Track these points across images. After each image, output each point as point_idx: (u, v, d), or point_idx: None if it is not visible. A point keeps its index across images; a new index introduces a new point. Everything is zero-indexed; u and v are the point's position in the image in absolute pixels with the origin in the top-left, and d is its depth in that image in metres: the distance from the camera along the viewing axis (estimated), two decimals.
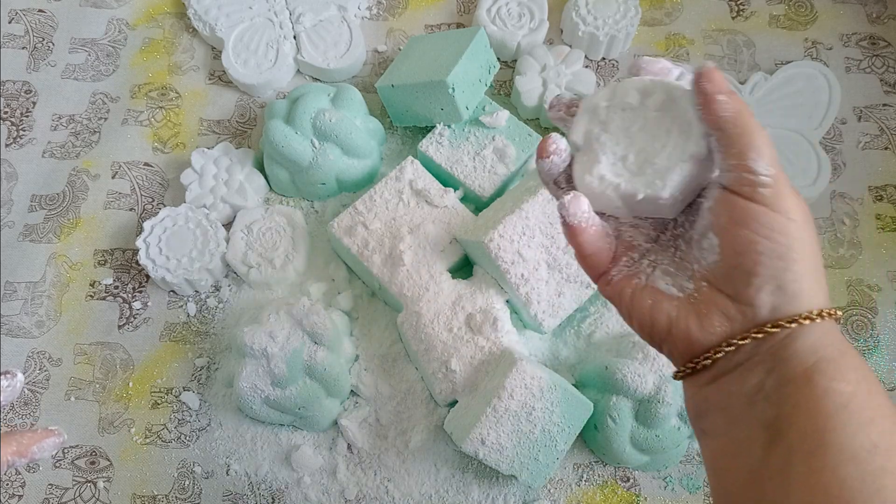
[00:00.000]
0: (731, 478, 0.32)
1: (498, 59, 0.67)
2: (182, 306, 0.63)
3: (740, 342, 0.32)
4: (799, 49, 0.74)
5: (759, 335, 0.31)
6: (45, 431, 0.44)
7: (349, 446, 0.58)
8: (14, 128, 0.69)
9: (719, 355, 0.32)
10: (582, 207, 0.34)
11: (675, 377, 0.35)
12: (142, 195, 0.67)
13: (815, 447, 0.29)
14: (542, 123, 0.70)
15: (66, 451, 0.58)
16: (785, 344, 0.31)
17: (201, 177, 0.65)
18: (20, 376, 0.43)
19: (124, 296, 0.63)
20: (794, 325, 0.31)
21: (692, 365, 0.33)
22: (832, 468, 0.29)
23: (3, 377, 0.42)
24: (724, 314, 0.32)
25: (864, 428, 0.29)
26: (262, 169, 0.66)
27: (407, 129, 0.69)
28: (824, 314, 0.31)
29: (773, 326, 0.31)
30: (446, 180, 0.63)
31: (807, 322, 0.31)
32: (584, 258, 0.36)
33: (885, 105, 0.71)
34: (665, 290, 0.34)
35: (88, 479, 0.57)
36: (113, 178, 0.68)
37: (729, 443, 0.33)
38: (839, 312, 0.32)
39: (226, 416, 0.59)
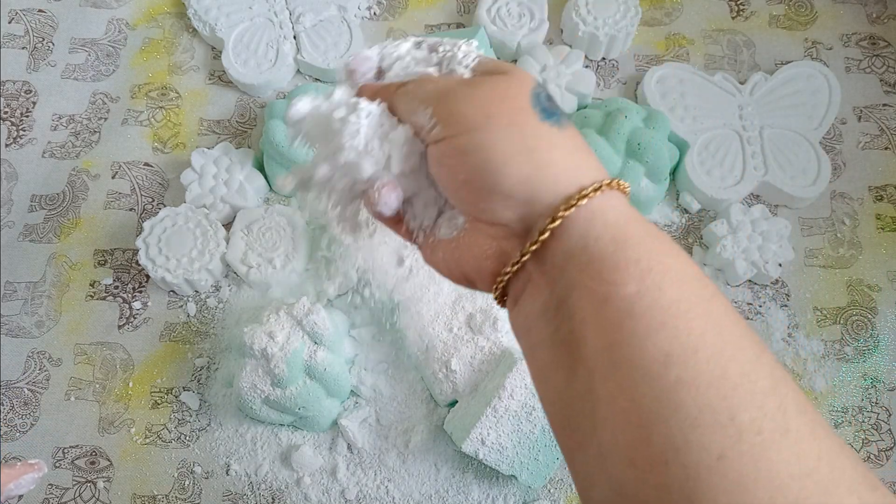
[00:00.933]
0: (550, 406, 0.30)
1: (498, 58, 0.67)
2: (182, 306, 0.63)
3: (522, 259, 0.29)
4: (799, 49, 0.74)
5: (534, 247, 0.29)
6: (25, 466, 0.44)
7: (349, 446, 0.58)
8: (14, 128, 0.69)
9: (506, 277, 0.30)
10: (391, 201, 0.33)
11: (499, 305, 0.33)
12: (142, 195, 0.67)
13: (608, 367, 0.26)
14: None
15: (65, 451, 0.58)
16: (555, 248, 0.28)
17: (201, 177, 0.65)
18: (44, 470, 0.45)
19: (124, 296, 0.63)
20: (555, 225, 0.28)
21: (495, 292, 0.32)
22: (628, 390, 0.25)
23: (34, 469, 0.44)
24: (490, 238, 0.31)
25: (652, 336, 0.25)
26: (262, 169, 0.66)
27: None
28: (584, 195, 0.28)
29: (541, 234, 0.28)
30: None
31: (566, 214, 0.28)
32: (397, 232, 0.36)
33: (885, 105, 0.71)
34: (447, 236, 0.33)
35: (88, 479, 0.57)
36: (113, 178, 0.68)
37: (538, 368, 0.30)
38: (613, 183, 0.29)
39: (226, 416, 0.59)
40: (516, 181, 0.28)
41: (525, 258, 0.29)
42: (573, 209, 0.28)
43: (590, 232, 0.28)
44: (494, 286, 0.32)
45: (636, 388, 0.25)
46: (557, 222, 0.28)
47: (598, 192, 0.28)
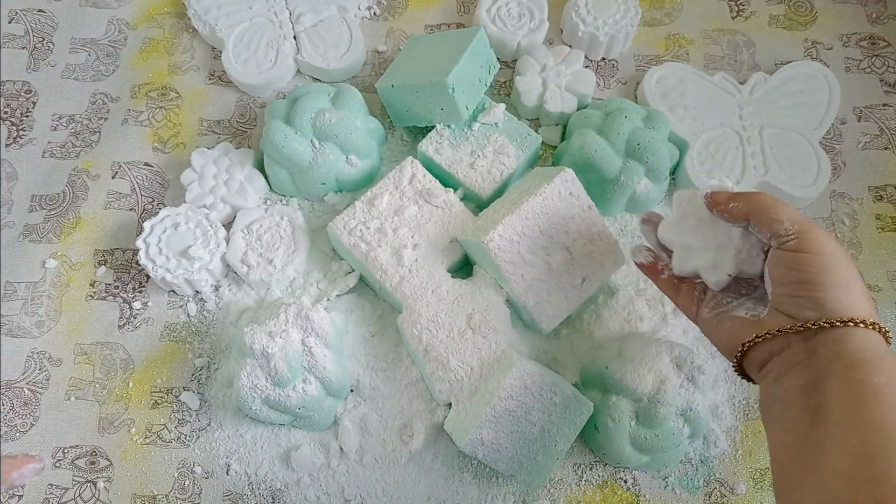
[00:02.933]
0: (784, 454, 0.39)
1: (498, 59, 0.67)
2: (182, 306, 0.63)
3: (776, 331, 0.42)
4: (799, 49, 0.74)
5: (791, 330, 0.41)
6: (25, 457, 0.44)
7: (349, 446, 0.58)
8: (14, 128, 0.69)
9: (758, 340, 0.43)
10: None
11: (745, 377, 0.46)
12: (142, 195, 0.67)
13: (848, 422, 0.36)
14: (541, 123, 0.70)
15: (66, 451, 0.58)
16: (828, 347, 0.40)
17: (201, 177, 0.65)
18: (45, 463, 0.46)
19: (124, 296, 0.63)
20: (829, 327, 0.40)
21: (739, 352, 0.44)
22: (861, 436, 0.35)
23: (35, 461, 0.45)
24: (778, 325, 0.42)
25: (891, 409, 0.36)
26: (262, 169, 0.66)
27: (407, 129, 0.69)
28: (862, 323, 0.39)
29: (813, 324, 0.40)
30: (446, 180, 0.63)
31: (844, 326, 0.39)
32: (676, 302, 0.51)
33: (885, 105, 0.71)
34: (743, 315, 0.45)
35: (88, 479, 0.57)
36: (113, 178, 0.68)
37: (783, 426, 0.40)
38: (885, 329, 0.40)
39: (226, 416, 0.59)
40: (829, 297, 0.40)
41: (780, 332, 0.42)
42: (856, 326, 0.40)
43: (863, 345, 0.39)
44: (761, 363, 0.44)
45: (869, 436, 0.35)
46: (827, 326, 0.40)
47: (873, 328, 0.40)
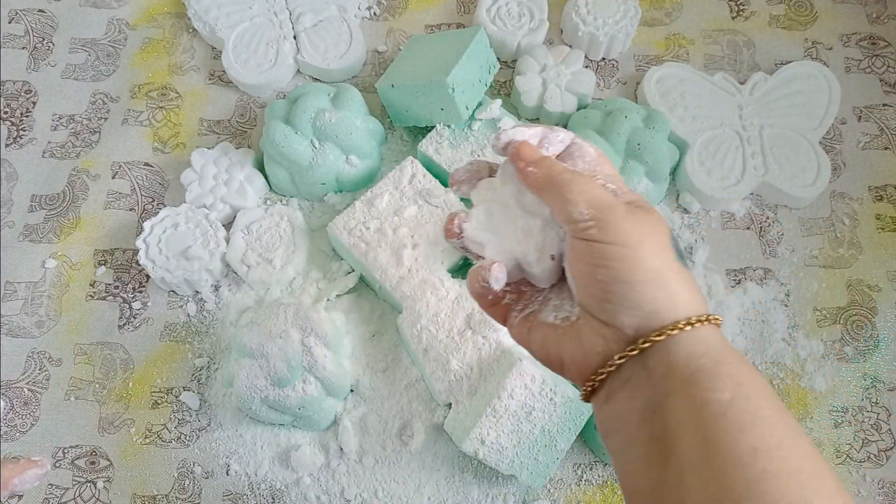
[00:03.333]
0: (637, 496, 0.34)
1: (498, 59, 0.67)
2: (182, 306, 0.63)
3: (618, 361, 0.34)
4: (799, 49, 0.74)
5: (634, 352, 0.34)
6: (28, 462, 0.44)
7: (349, 446, 0.58)
8: (14, 128, 0.69)
9: (602, 375, 0.35)
10: (501, 276, 0.38)
11: (582, 399, 0.37)
12: (142, 195, 0.67)
13: (701, 459, 0.31)
14: (541, 123, 0.70)
15: (66, 451, 0.58)
16: (660, 359, 0.34)
17: (201, 177, 0.65)
18: (47, 467, 0.45)
19: (124, 296, 0.63)
20: (660, 339, 0.33)
21: (588, 385, 0.36)
22: (718, 477, 0.30)
23: (37, 466, 0.44)
24: (601, 336, 0.35)
25: (743, 433, 0.30)
26: (262, 169, 0.66)
27: (407, 129, 0.69)
28: (691, 323, 0.33)
29: (644, 342, 0.33)
30: (446, 180, 0.63)
31: (674, 333, 0.33)
32: (487, 311, 0.41)
33: (885, 105, 0.71)
34: (552, 322, 0.37)
35: (88, 479, 0.57)
36: (113, 178, 0.68)
37: (630, 461, 0.34)
38: (712, 318, 0.34)
39: (226, 416, 0.59)
40: (646, 296, 0.34)
41: (622, 361, 0.34)
42: (683, 330, 0.33)
43: (695, 350, 0.33)
44: (590, 381, 0.36)
45: (727, 476, 0.30)
46: (663, 337, 0.33)
47: (703, 324, 0.34)
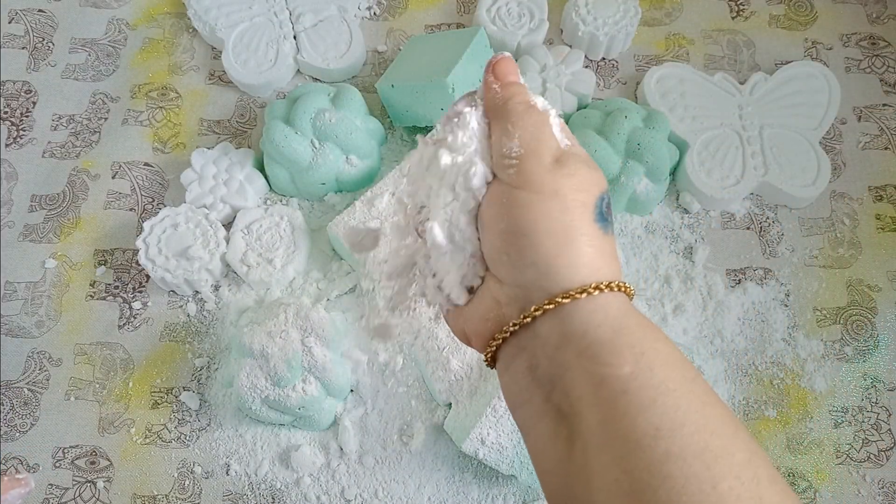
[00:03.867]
0: (548, 475, 0.31)
1: None
2: (182, 306, 0.63)
3: (512, 328, 0.31)
4: (799, 49, 0.74)
5: (526, 319, 0.31)
6: (12, 480, 0.42)
7: (349, 446, 0.58)
8: (14, 128, 0.69)
9: (495, 344, 0.32)
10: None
11: (487, 366, 0.35)
12: (142, 195, 0.67)
13: (602, 440, 0.29)
14: None
15: (65, 450, 0.58)
16: (552, 328, 0.31)
17: (201, 177, 0.65)
18: (31, 485, 0.43)
19: (124, 296, 0.63)
20: (550, 307, 0.30)
21: (486, 354, 0.33)
22: (620, 461, 0.28)
23: (20, 485, 0.43)
24: (496, 301, 0.32)
25: (644, 412, 0.28)
26: (262, 169, 0.66)
27: (407, 129, 0.69)
28: (587, 290, 0.30)
29: (535, 309, 0.30)
30: None
31: (565, 301, 0.30)
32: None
33: (885, 105, 0.71)
34: (459, 301, 0.34)
35: (88, 479, 0.57)
36: (113, 178, 0.68)
37: (538, 438, 0.32)
38: (618, 286, 0.31)
39: (226, 416, 0.59)
40: (546, 254, 0.30)
41: (516, 327, 0.31)
42: (581, 297, 0.30)
43: (592, 319, 0.30)
44: (487, 350, 0.33)
45: (629, 460, 0.28)
46: (553, 305, 0.30)
47: (607, 291, 0.31)
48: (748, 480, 0.27)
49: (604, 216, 0.32)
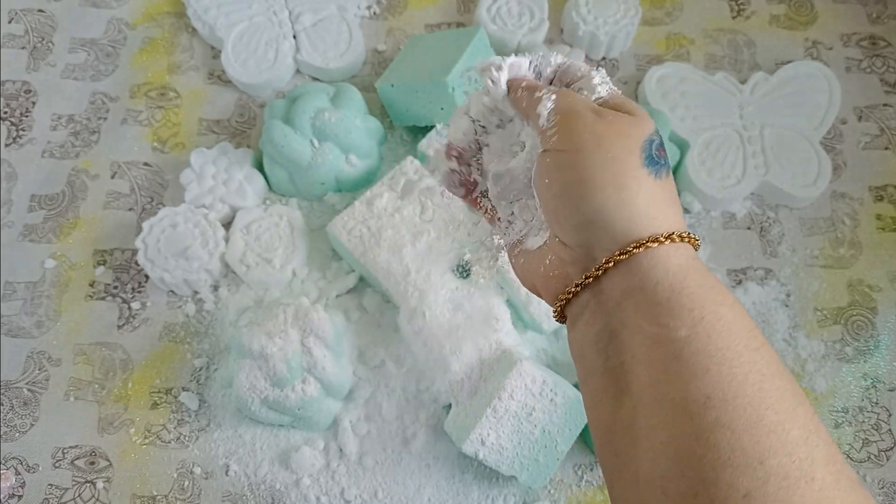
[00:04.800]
0: (596, 430, 0.32)
1: None
2: (181, 306, 0.63)
3: (574, 289, 0.32)
4: (799, 49, 0.74)
5: (588, 280, 0.31)
6: None
7: (348, 447, 0.58)
8: (14, 128, 0.69)
9: (562, 302, 0.33)
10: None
11: (557, 321, 0.35)
12: (141, 195, 0.67)
13: (652, 402, 0.28)
14: None
15: (65, 451, 0.58)
16: (614, 285, 0.31)
17: (200, 177, 0.65)
18: (11, 480, 0.43)
19: (124, 296, 0.63)
20: (609, 265, 0.30)
21: (555, 312, 0.34)
22: (669, 425, 0.28)
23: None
24: (559, 259, 0.33)
25: (696, 379, 0.27)
26: (261, 169, 0.66)
27: (407, 129, 0.69)
28: (643, 243, 0.30)
29: (597, 269, 0.31)
30: None
31: (623, 258, 0.30)
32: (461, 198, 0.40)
33: (885, 105, 0.71)
34: (531, 247, 0.35)
35: (88, 479, 0.57)
36: (112, 178, 0.67)
37: (589, 393, 0.32)
38: (678, 236, 0.30)
39: (225, 417, 0.59)
40: (598, 209, 0.30)
41: (580, 287, 0.32)
42: (638, 252, 0.30)
43: (650, 276, 0.30)
44: (555, 306, 0.34)
45: (676, 425, 0.28)
46: (612, 263, 0.30)
47: (667, 242, 0.30)
48: (801, 459, 0.26)
49: (654, 159, 0.32)
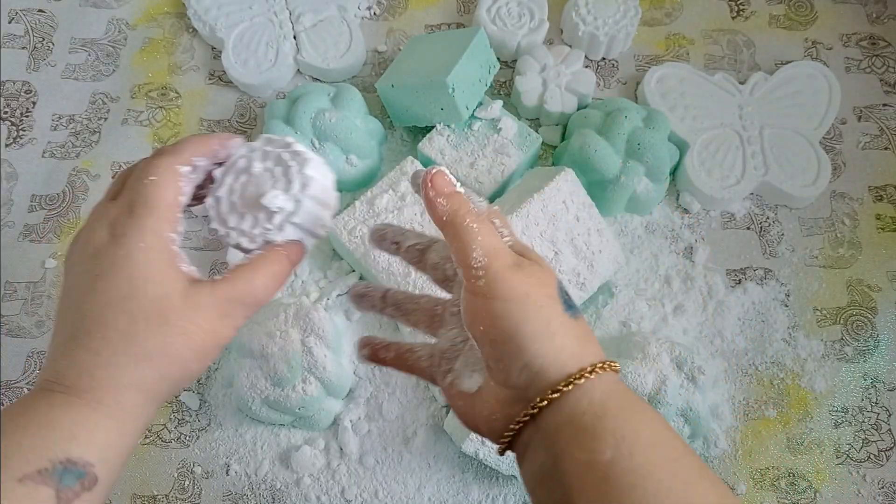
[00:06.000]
0: None
1: (498, 59, 0.67)
2: None
3: (514, 427, 0.34)
4: (799, 49, 0.74)
5: (525, 419, 0.33)
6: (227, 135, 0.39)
7: (349, 446, 0.58)
8: (14, 128, 0.69)
9: (506, 440, 0.35)
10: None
11: (500, 453, 0.37)
12: None
13: None
14: (541, 123, 0.70)
15: None
16: (549, 420, 0.33)
17: None
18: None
19: None
20: (543, 404, 0.32)
21: (499, 451, 0.35)
22: None
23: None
24: (499, 402, 0.34)
25: (625, 497, 0.29)
26: None
27: (407, 129, 0.69)
28: (572, 381, 0.32)
29: (532, 407, 0.33)
30: None
31: (554, 396, 0.32)
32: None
33: (885, 105, 0.71)
34: (468, 388, 0.36)
35: None
36: (113, 178, 0.67)
37: None
38: (599, 367, 0.33)
39: (226, 417, 0.59)
40: (535, 355, 0.33)
41: (519, 426, 0.34)
42: (568, 389, 0.32)
43: (577, 407, 0.32)
44: (499, 444, 0.35)
45: None
46: (546, 402, 0.32)
47: (592, 376, 0.33)
48: None
49: (568, 304, 0.35)
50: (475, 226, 0.35)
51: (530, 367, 0.33)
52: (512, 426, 0.34)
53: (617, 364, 0.34)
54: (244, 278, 0.35)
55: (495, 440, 0.36)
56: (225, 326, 0.34)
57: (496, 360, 0.34)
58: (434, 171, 0.36)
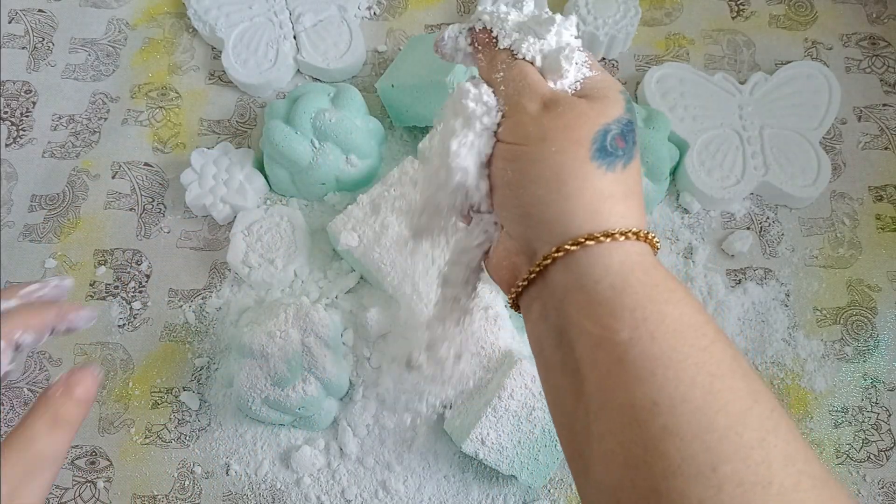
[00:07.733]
0: (559, 428, 0.31)
1: None
2: (181, 306, 0.63)
3: (521, 284, 0.31)
4: (799, 49, 0.74)
5: (531, 275, 0.30)
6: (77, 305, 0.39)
7: (349, 446, 0.58)
8: (14, 128, 0.69)
9: (514, 292, 0.32)
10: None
11: (514, 309, 0.34)
12: (142, 195, 0.67)
13: (600, 407, 0.27)
14: None
15: None
16: (562, 279, 0.29)
17: (201, 177, 0.65)
18: (96, 314, 0.39)
19: (124, 296, 0.63)
20: (547, 262, 0.29)
21: (509, 300, 0.33)
22: (618, 432, 0.26)
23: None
24: (505, 249, 0.32)
25: (642, 384, 0.26)
26: (262, 169, 0.66)
27: (407, 129, 0.69)
28: (579, 242, 0.28)
29: (544, 259, 0.29)
30: None
31: (559, 255, 0.29)
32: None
33: (885, 105, 0.71)
34: (481, 241, 0.34)
35: (88, 479, 0.57)
36: (113, 178, 0.68)
37: (550, 391, 0.31)
38: (623, 232, 0.29)
39: (226, 416, 0.59)
40: (535, 203, 0.29)
41: (527, 280, 0.31)
42: (574, 249, 0.28)
43: (590, 274, 0.28)
44: (508, 297, 0.33)
45: (625, 433, 0.26)
46: (550, 259, 0.29)
47: (606, 240, 0.28)
48: (756, 463, 0.25)
49: (606, 151, 0.30)
50: (505, 71, 0.32)
51: (534, 216, 0.29)
52: (520, 281, 0.31)
53: (654, 236, 0.30)
54: None
55: (506, 292, 0.33)
56: None
57: (501, 202, 0.31)
58: (478, 25, 0.35)
